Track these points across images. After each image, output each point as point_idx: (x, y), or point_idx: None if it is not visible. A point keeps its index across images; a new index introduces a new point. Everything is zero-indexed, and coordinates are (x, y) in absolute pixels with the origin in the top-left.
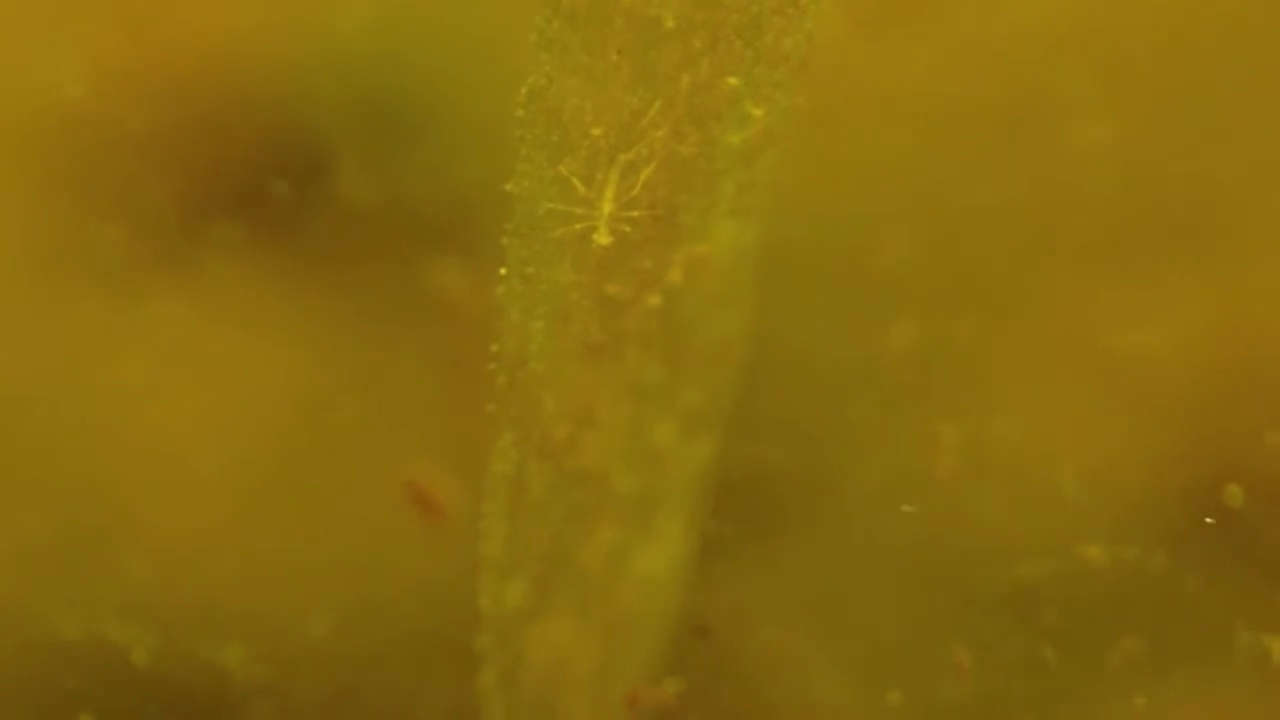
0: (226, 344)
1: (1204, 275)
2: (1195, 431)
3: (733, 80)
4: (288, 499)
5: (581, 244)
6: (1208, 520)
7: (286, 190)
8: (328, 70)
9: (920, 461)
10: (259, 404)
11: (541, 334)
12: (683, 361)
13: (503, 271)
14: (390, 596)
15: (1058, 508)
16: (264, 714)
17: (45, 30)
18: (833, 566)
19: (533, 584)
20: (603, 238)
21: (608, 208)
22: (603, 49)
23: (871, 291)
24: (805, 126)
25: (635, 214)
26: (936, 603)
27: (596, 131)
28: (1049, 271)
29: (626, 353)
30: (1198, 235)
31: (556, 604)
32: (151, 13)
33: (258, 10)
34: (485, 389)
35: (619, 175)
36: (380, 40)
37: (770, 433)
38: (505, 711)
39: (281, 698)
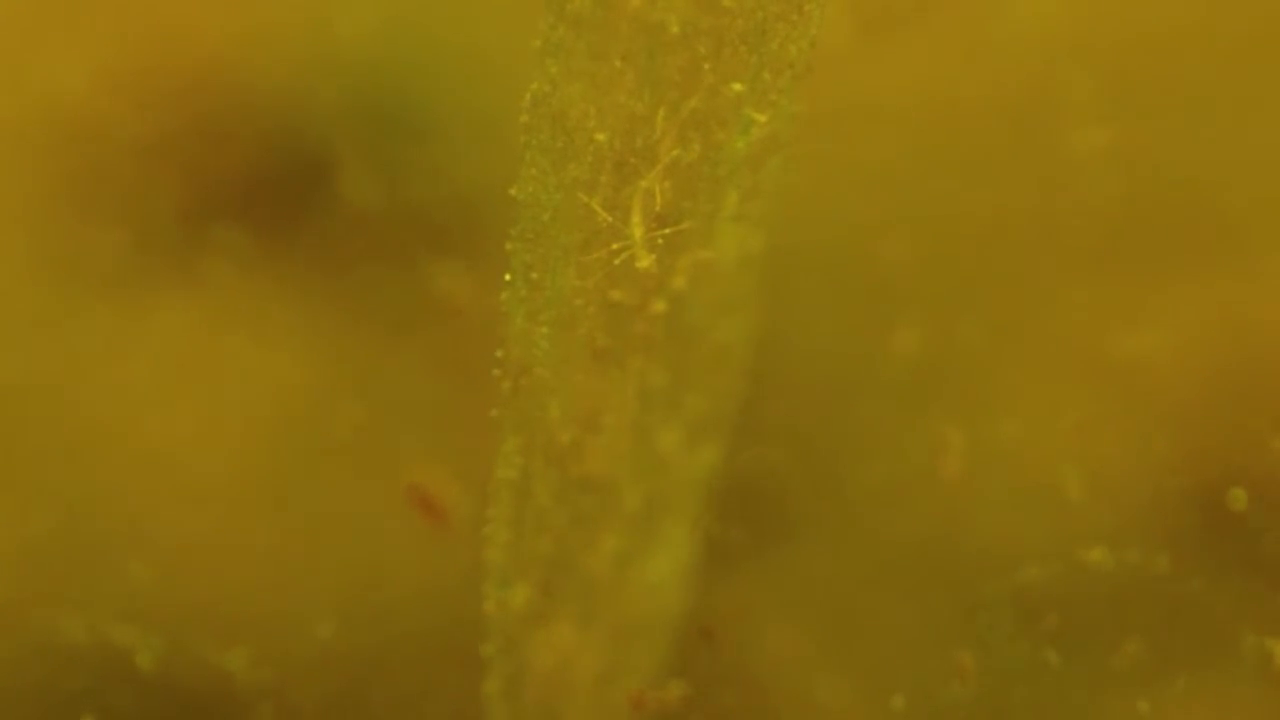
0: (230, 348)
1: (1207, 278)
2: (1199, 435)
3: (737, 86)
4: (291, 503)
5: (586, 250)
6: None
7: (289, 195)
8: (331, 75)
9: (924, 465)
10: (262, 408)
11: (546, 340)
12: (687, 367)
13: (507, 277)
14: (393, 600)
15: (1061, 511)
16: (267, 717)
17: (48, 36)
18: (837, 570)
19: (537, 589)
20: (644, 261)
21: (638, 231)
22: (607, 55)
23: (875, 296)
24: (809, 132)
25: (666, 231)
26: (940, 606)
27: (601, 137)
28: (1052, 275)
29: (631, 358)
30: (1200, 238)
31: (561, 609)
32: (154, 19)
33: (260, 15)
34: (489, 393)
35: (640, 196)
36: (383, 44)
37: (775, 436)
38: (509, 716)
39: (284, 701)
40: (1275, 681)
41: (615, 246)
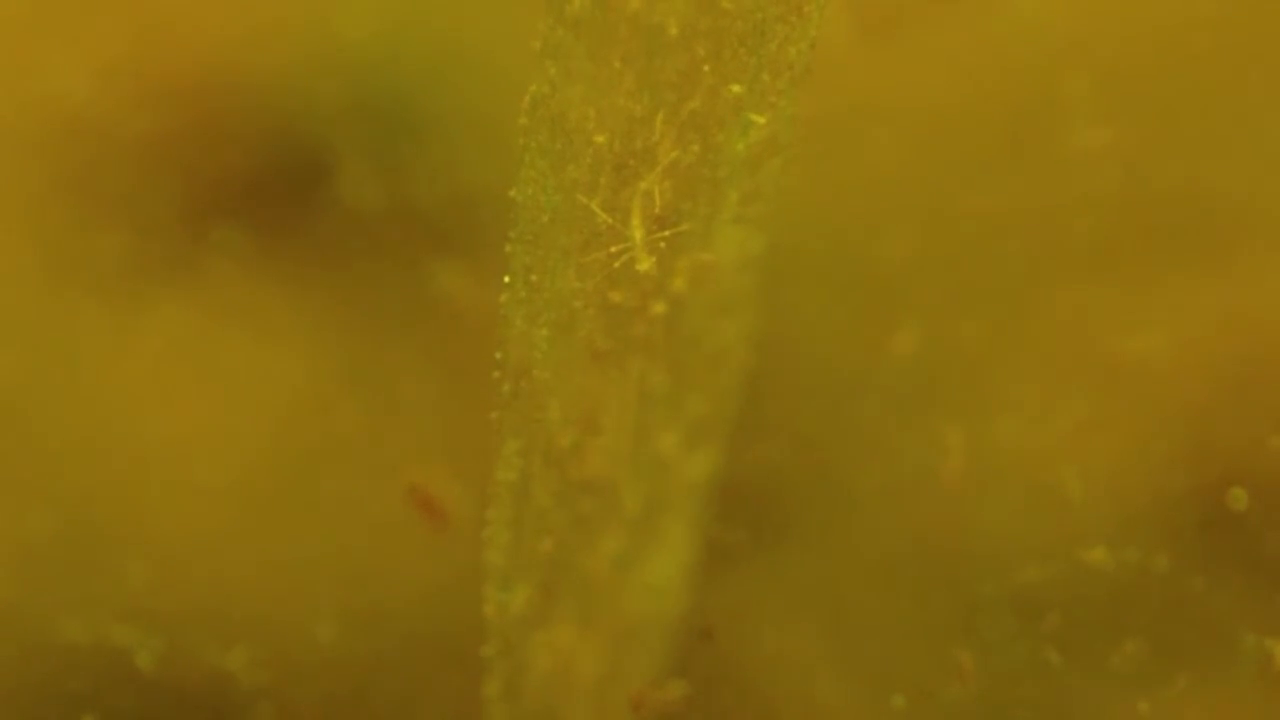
0: (230, 348)
1: (1206, 278)
2: (1199, 435)
3: (736, 88)
4: (291, 503)
5: (585, 252)
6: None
7: (289, 195)
8: (331, 74)
9: (924, 465)
10: (262, 408)
11: (546, 341)
12: (687, 369)
13: (506, 279)
14: (393, 601)
15: (1061, 511)
16: (267, 717)
17: (49, 36)
18: (837, 570)
19: (537, 591)
20: (644, 264)
21: (637, 233)
22: (606, 56)
23: (876, 296)
24: (810, 134)
25: (666, 233)
26: (940, 606)
27: (600, 139)
28: (1052, 275)
29: (631, 360)
30: (1200, 238)
31: (561, 611)
32: (155, 18)
33: (261, 15)
34: (489, 394)
35: (640, 199)
36: (383, 45)
37: (775, 437)
38: (509, 718)
39: (284, 702)
40: (1275, 681)
41: (615, 248)
